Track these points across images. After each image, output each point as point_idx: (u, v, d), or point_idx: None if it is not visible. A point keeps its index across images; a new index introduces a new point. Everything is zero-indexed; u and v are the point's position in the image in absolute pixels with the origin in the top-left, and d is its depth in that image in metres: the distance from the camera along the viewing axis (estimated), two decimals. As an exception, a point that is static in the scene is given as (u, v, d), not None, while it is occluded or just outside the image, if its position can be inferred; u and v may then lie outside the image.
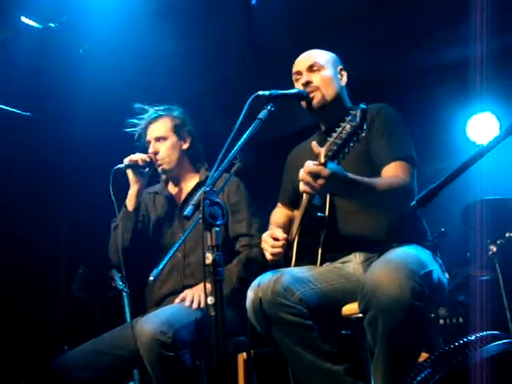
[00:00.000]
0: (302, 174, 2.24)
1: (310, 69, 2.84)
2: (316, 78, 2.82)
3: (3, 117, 4.82)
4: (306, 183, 2.24)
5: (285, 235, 2.64)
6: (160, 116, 3.37)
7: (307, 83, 2.81)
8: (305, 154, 2.97)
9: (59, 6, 4.38)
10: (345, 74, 2.93)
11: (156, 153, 3.31)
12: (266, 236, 2.68)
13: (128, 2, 4.33)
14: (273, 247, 2.62)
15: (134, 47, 4.61)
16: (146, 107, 3.39)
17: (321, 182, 2.20)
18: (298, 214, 2.70)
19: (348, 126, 2.18)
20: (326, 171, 2.19)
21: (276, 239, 2.62)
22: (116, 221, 3.24)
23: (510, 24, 4.34)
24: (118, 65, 4.65)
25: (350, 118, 2.18)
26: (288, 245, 2.66)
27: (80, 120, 4.82)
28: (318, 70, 2.83)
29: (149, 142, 3.34)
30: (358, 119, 2.16)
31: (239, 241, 3.26)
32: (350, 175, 2.31)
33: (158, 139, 3.33)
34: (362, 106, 2.19)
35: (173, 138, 3.35)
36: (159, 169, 3.33)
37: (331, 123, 2.71)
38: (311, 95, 2.80)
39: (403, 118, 2.78)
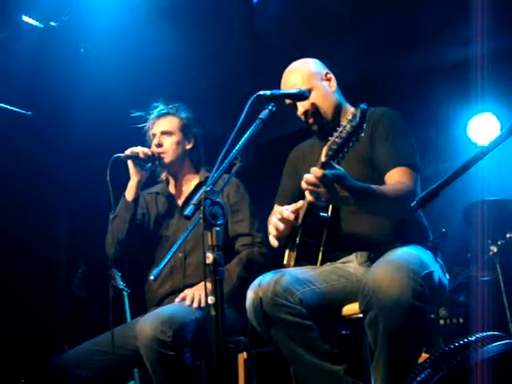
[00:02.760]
0: (305, 182, 2.24)
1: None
2: (310, 104, 2.76)
3: (3, 116, 4.82)
4: (311, 191, 2.25)
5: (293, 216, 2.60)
6: (169, 113, 3.41)
7: (306, 113, 2.78)
8: (306, 155, 2.98)
9: (60, 5, 4.38)
10: (331, 76, 2.87)
11: (160, 145, 3.33)
12: (276, 209, 2.68)
13: (129, 2, 4.33)
14: (279, 220, 2.59)
15: (136, 47, 4.61)
16: (156, 104, 3.44)
17: (322, 189, 2.21)
18: (300, 214, 2.69)
19: (348, 126, 2.20)
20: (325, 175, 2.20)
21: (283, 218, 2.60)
22: (114, 212, 3.25)
23: (511, 25, 4.34)
24: (120, 64, 4.65)
25: (350, 117, 2.19)
26: (291, 235, 2.66)
27: (80, 119, 4.82)
28: (307, 97, 2.73)
29: (154, 135, 3.37)
30: (357, 119, 2.18)
31: (239, 240, 3.26)
32: (356, 183, 2.29)
33: (164, 133, 3.36)
34: (363, 106, 2.20)
35: (178, 136, 3.38)
36: (160, 162, 3.34)
37: (328, 128, 2.72)
38: (310, 121, 2.78)
39: (407, 123, 2.76)
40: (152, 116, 3.41)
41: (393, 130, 2.69)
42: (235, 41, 4.80)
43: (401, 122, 2.75)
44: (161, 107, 3.42)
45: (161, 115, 3.40)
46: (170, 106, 3.43)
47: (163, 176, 3.49)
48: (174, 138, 3.36)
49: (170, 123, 3.38)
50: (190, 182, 3.42)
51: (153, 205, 3.45)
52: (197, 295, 3.00)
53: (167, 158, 3.34)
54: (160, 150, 3.32)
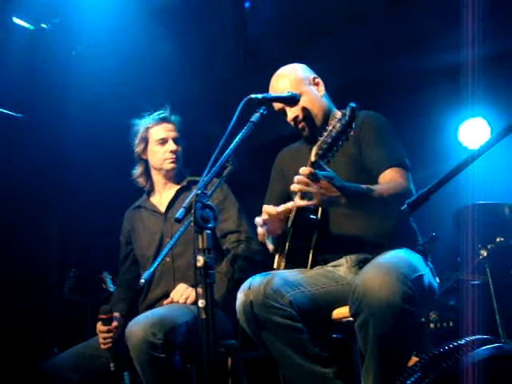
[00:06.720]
0: (296, 182, 2.24)
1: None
2: (300, 109, 2.75)
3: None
4: (303, 191, 2.25)
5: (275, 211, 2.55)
6: (172, 121, 3.44)
7: (296, 118, 2.77)
8: (293, 158, 2.97)
9: (52, 7, 4.37)
10: (319, 81, 2.87)
11: (176, 151, 3.37)
12: (265, 207, 2.62)
13: (121, 4, 4.33)
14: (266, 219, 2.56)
15: (128, 49, 4.61)
16: (163, 110, 3.47)
17: (314, 188, 2.22)
18: (290, 216, 2.69)
19: (338, 125, 2.22)
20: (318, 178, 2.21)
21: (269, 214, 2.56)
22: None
23: (502, 30, 4.36)
24: (111, 67, 4.64)
25: (340, 116, 2.21)
26: (281, 236, 2.65)
27: (72, 121, 4.81)
28: (298, 101, 2.72)
29: (163, 140, 3.38)
30: (347, 117, 2.20)
31: (228, 238, 3.28)
32: (346, 183, 2.31)
33: (175, 139, 3.39)
34: (352, 104, 2.22)
35: (181, 145, 3.43)
36: (172, 165, 3.37)
37: (317, 132, 2.71)
38: (300, 126, 2.78)
39: (393, 126, 2.77)
40: (158, 117, 3.42)
41: (381, 132, 2.71)
42: (227, 44, 4.81)
43: (386, 124, 2.77)
44: (172, 114, 3.45)
45: (170, 121, 3.43)
46: (174, 115, 3.46)
47: (142, 181, 3.50)
48: (180, 148, 3.42)
49: (178, 133, 3.42)
50: (171, 190, 3.45)
51: (136, 219, 3.49)
52: (185, 293, 3.02)
53: (177, 164, 3.38)
54: (175, 155, 3.37)
